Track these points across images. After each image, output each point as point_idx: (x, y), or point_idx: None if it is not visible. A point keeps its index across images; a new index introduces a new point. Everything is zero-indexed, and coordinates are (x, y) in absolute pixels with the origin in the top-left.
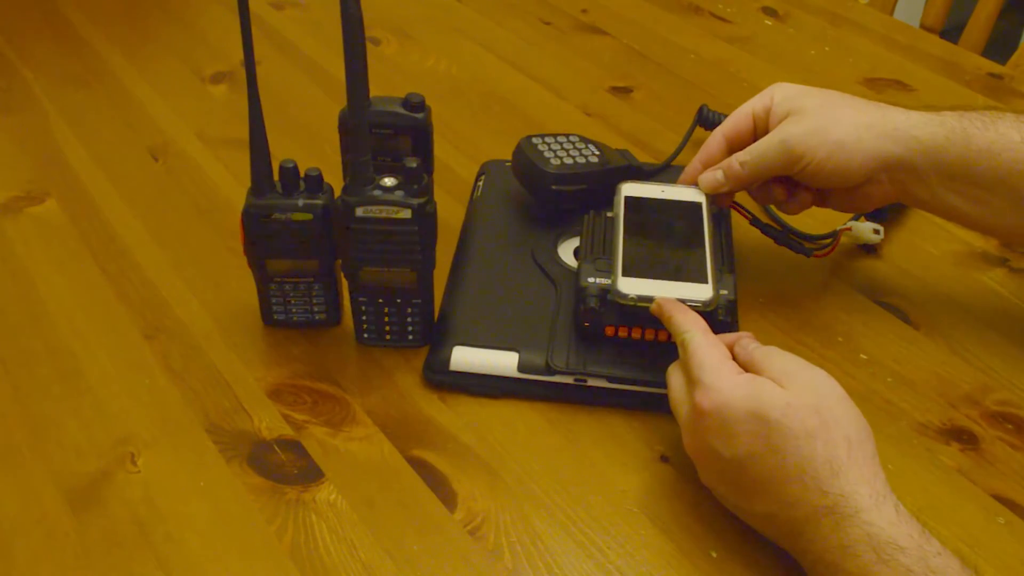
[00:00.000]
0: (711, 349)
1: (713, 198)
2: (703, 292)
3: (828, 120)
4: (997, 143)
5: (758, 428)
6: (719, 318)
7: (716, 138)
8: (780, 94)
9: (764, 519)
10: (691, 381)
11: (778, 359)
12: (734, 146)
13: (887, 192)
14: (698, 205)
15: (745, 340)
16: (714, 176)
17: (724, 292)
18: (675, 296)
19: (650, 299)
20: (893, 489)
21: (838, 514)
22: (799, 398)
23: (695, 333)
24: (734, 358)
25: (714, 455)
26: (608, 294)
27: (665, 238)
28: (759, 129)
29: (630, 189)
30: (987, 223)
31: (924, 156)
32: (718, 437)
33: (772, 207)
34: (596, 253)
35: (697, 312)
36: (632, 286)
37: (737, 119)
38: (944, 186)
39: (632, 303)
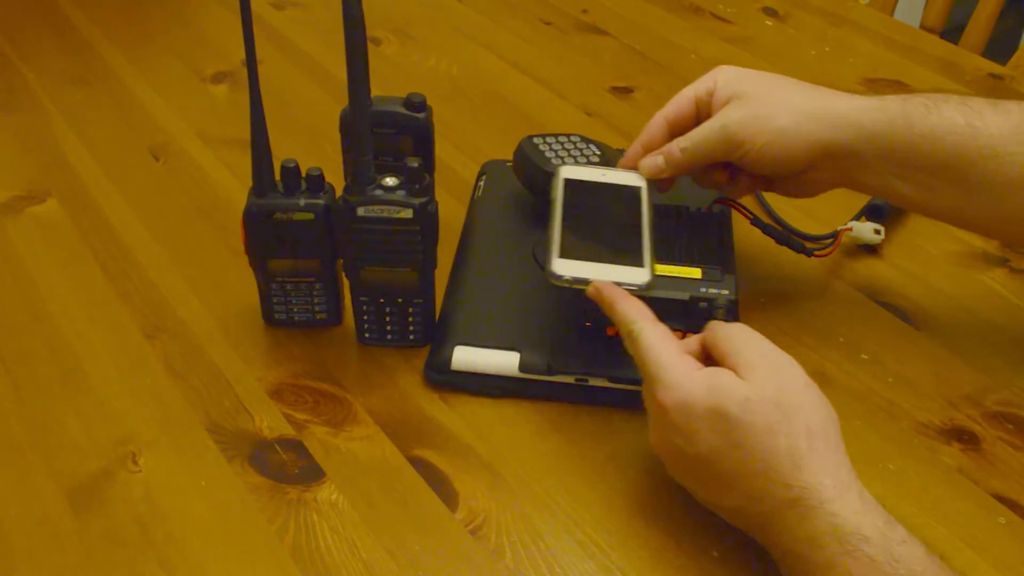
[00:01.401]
0: (665, 343)
1: (654, 183)
2: (640, 276)
3: (769, 106)
4: (940, 127)
5: (719, 424)
6: (719, 318)
7: (658, 121)
8: (723, 78)
9: (733, 513)
10: (649, 378)
11: (740, 344)
12: (676, 130)
13: (831, 178)
14: (638, 189)
15: (712, 324)
16: (654, 161)
17: (725, 292)
18: (611, 279)
19: (586, 282)
20: (894, 489)
21: (803, 506)
22: (758, 391)
23: (644, 325)
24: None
25: (679, 452)
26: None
27: (603, 222)
28: (701, 113)
29: (570, 172)
30: (933, 207)
31: (866, 142)
32: (680, 435)
33: (771, 206)
34: None
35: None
36: (567, 268)
37: (679, 103)
38: (888, 171)
39: (567, 285)
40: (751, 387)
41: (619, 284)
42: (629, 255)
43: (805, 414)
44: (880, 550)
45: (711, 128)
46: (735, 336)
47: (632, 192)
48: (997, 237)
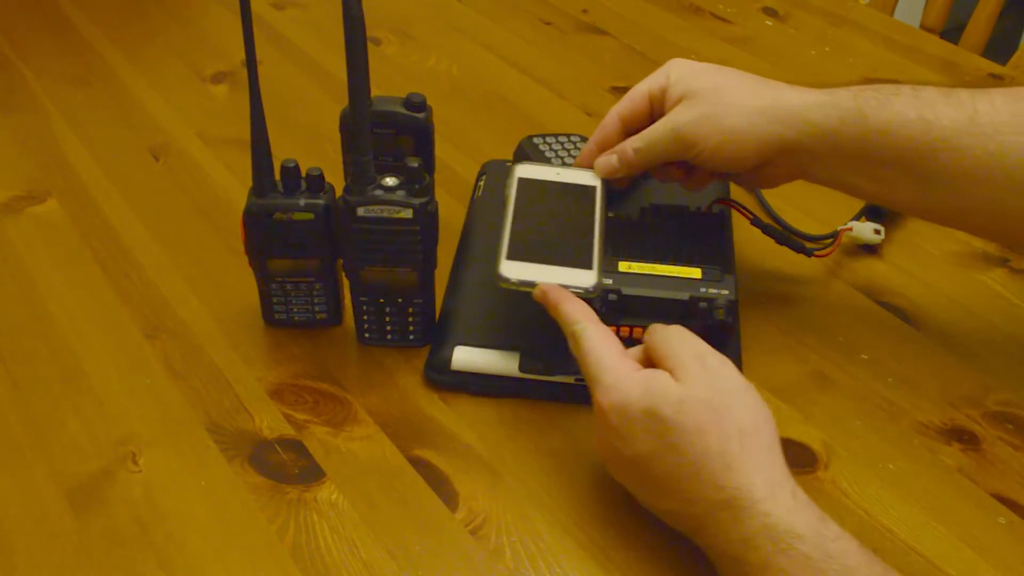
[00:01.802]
0: (605, 344)
1: (609, 181)
2: (587, 279)
3: (720, 106)
4: (893, 121)
5: (654, 426)
6: (719, 318)
7: (612, 119)
8: (675, 73)
9: (670, 515)
10: (589, 379)
11: (676, 346)
12: (630, 127)
13: (786, 173)
14: (592, 189)
15: (652, 327)
16: (608, 161)
17: (725, 292)
18: (558, 282)
19: (532, 284)
20: (894, 489)
21: (735, 507)
22: (692, 393)
23: (586, 325)
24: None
25: (617, 454)
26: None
27: (555, 222)
28: (656, 109)
29: (524, 171)
30: (888, 198)
31: (819, 139)
32: (618, 436)
33: (771, 206)
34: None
35: (583, 299)
36: (515, 270)
37: (633, 99)
38: (842, 166)
39: (514, 287)
40: (685, 388)
41: (566, 287)
42: (578, 257)
43: (738, 415)
44: (814, 547)
45: (663, 129)
46: (672, 338)
47: (586, 192)
48: (959, 228)
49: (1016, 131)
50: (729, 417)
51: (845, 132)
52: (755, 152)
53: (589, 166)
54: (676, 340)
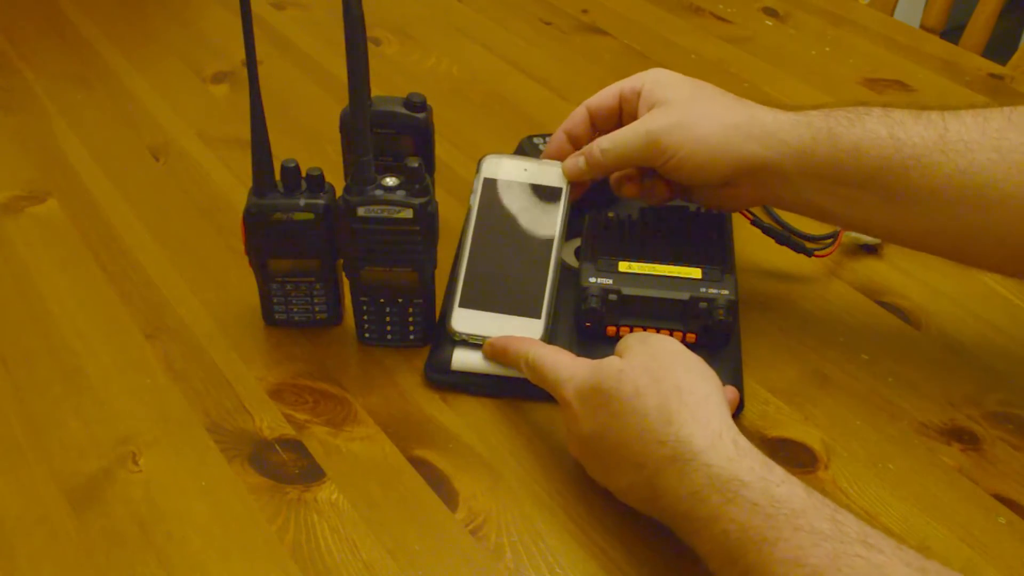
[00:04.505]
0: (556, 354)
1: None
2: (535, 329)
3: (695, 116)
4: (864, 141)
5: (599, 401)
6: (719, 318)
7: (580, 109)
8: (652, 79)
9: (631, 492)
10: (551, 385)
11: (628, 339)
12: (596, 121)
13: (749, 195)
14: (558, 192)
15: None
16: (576, 164)
17: (725, 292)
18: (506, 333)
19: (481, 338)
20: (894, 489)
21: (680, 461)
22: (631, 363)
23: (535, 349)
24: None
25: (580, 441)
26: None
27: (511, 254)
28: (625, 111)
29: (491, 167)
30: (858, 221)
31: (790, 159)
32: (575, 421)
33: (771, 206)
34: (597, 253)
35: None
36: (466, 321)
37: (605, 96)
38: (811, 187)
39: (465, 339)
40: (625, 361)
41: None
42: (529, 304)
43: (675, 374)
44: (760, 493)
45: (635, 133)
46: (626, 336)
47: (551, 197)
48: (928, 250)
49: (986, 149)
50: (666, 377)
51: (816, 152)
52: (726, 167)
53: (557, 157)
54: (630, 336)
